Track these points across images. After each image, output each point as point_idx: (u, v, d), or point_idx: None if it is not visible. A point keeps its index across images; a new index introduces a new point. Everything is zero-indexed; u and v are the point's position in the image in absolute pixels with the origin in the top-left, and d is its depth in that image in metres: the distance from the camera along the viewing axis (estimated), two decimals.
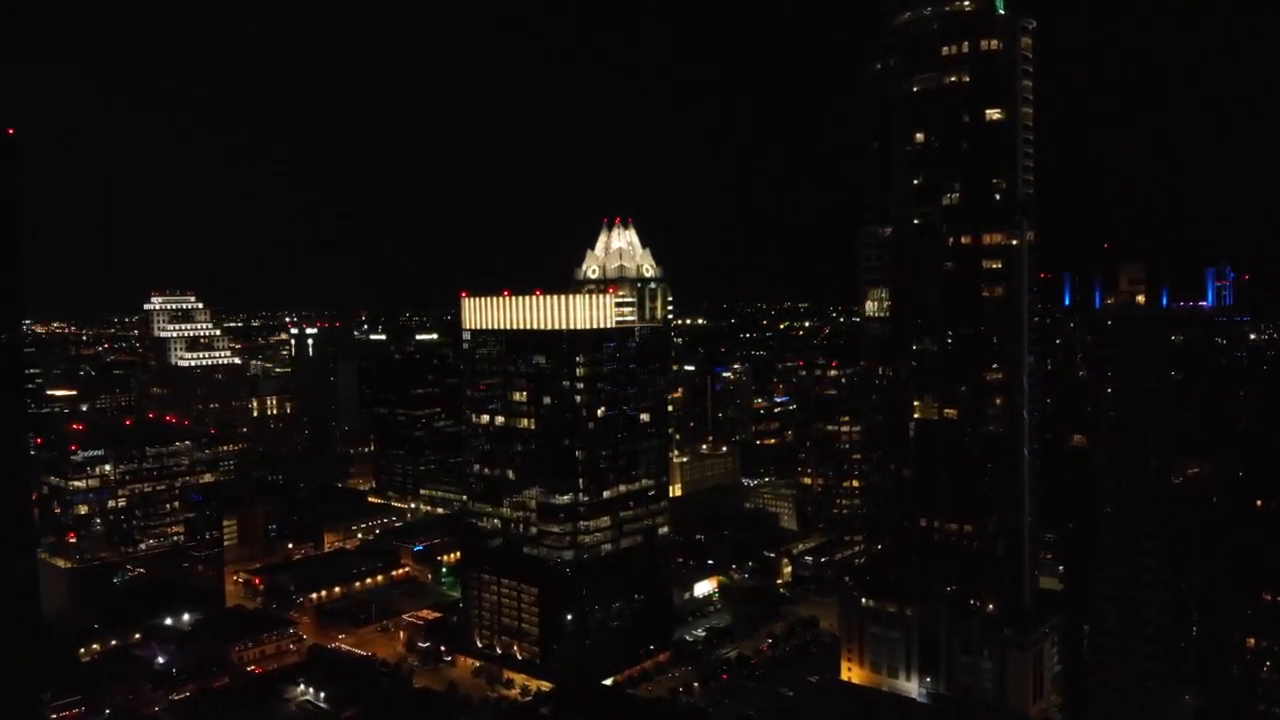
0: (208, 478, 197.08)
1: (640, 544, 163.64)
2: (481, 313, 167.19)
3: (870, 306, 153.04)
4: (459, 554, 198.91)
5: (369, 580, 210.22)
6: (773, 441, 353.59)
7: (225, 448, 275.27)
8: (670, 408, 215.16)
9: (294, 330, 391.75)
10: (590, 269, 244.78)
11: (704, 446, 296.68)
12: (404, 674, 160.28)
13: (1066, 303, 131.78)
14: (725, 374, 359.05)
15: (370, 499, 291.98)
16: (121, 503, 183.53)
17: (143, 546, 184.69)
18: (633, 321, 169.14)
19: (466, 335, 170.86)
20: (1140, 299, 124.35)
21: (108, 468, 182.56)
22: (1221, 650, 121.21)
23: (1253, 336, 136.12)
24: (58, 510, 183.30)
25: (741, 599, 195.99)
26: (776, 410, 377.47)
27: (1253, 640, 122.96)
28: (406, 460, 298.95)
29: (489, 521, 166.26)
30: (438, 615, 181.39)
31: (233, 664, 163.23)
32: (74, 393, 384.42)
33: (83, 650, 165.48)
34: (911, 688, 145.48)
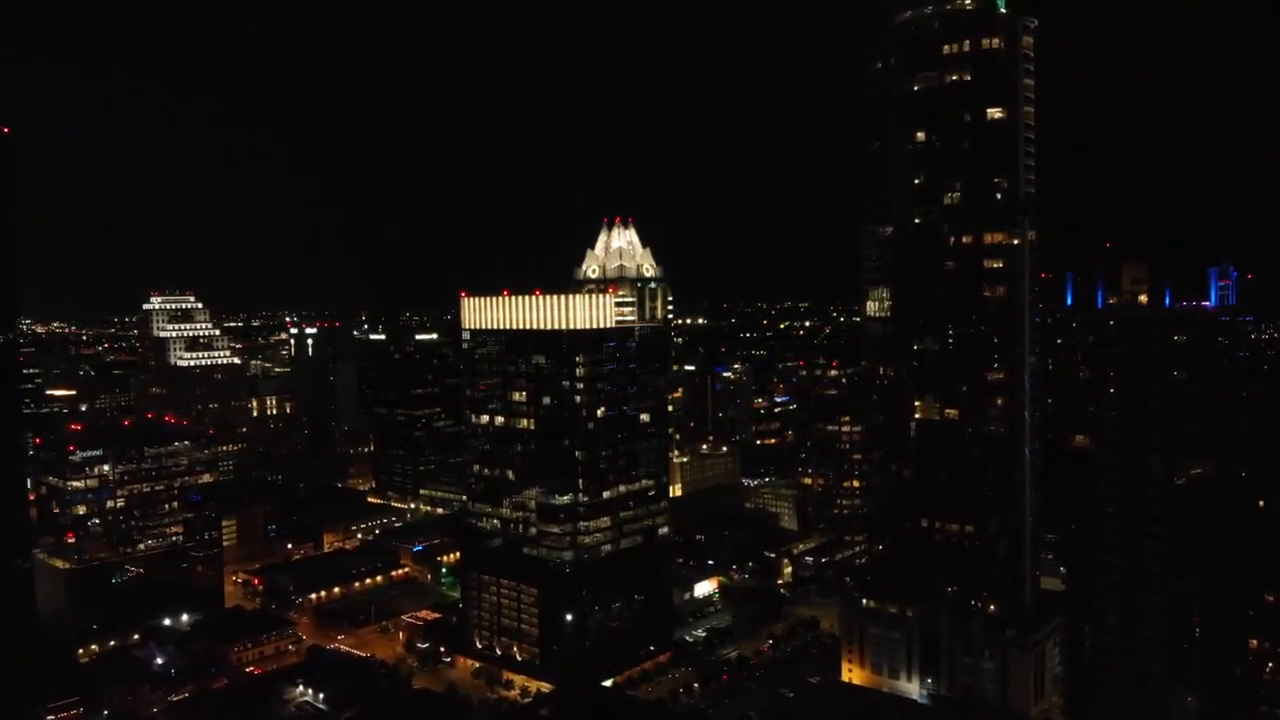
0: (207, 478, 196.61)
1: (640, 544, 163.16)
2: (481, 312, 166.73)
3: (871, 306, 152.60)
4: (459, 554, 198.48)
5: (368, 581, 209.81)
6: (773, 441, 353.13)
7: (224, 448, 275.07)
8: (670, 408, 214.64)
9: (293, 330, 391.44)
10: (590, 269, 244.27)
11: (704, 446, 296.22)
12: (403, 675, 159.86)
13: (1069, 302, 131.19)
14: (725, 374, 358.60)
15: (370, 499, 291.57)
16: (120, 503, 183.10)
17: (141, 547, 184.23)
18: (633, 321, 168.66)
19: (466, 335, 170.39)
20: (1143, 299, 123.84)
21: (106, 468, 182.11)
22: (1224, 651, 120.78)
23: (1255, 337, 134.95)
24: (56, 510, 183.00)
25: (742, 599, 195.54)
26: (777, 410, 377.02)
27: (1255, 641, 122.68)
28: (406, 460, 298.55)
29: (489, 522, 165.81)
30: (437, 616, 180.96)
31: (232, 665, 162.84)
32: (73, 393, 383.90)
33: (81, 651, 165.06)
34: (912, 689, 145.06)
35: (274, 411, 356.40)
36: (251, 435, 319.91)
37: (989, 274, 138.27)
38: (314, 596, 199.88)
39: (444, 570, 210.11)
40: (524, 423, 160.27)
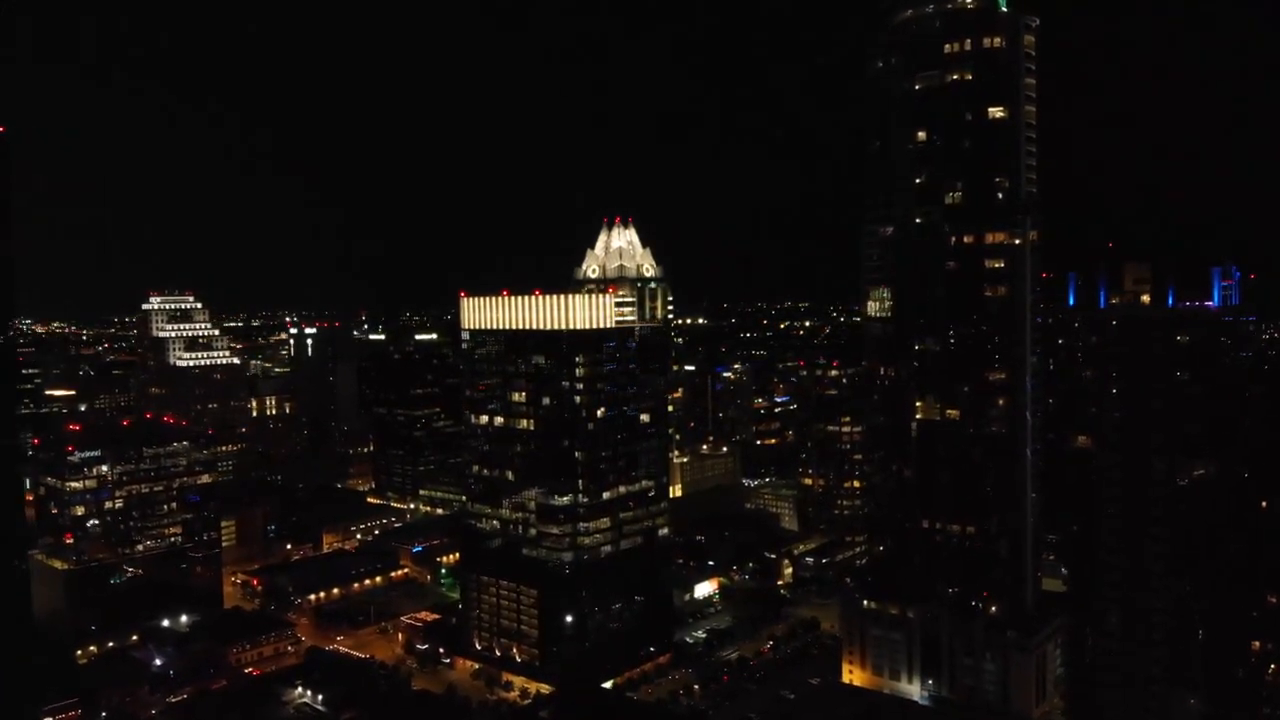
0: (206, 478, 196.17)
1: (640, 545, 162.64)
2: (480, 313, 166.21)
3: (872, 306, 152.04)
4: (458, 555, 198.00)
5: (368, 581, 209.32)
6: (773, 442, 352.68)
7: (224, 448, 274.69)
8: (670, 408, 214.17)
9: (293, 330, 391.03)
10: (590, 269, 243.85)
11: (704, 447, 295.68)
12: (403, 676, 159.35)
13: (1071, 302, 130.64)
14: (725, 374, 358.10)
15: (369, 499, 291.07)
16: (119, 504, 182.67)
17: (140, 548, 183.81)
18: (633, 321, 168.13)
19: (465, 335, 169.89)
20: (1145, 299, 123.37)
21: (105, 468, 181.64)
22: (1226, 653, 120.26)
23: (1258, 337, 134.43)
24: (54, 511, 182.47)
25: (742, 600, 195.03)
26: (777, 410, 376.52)
27: (1258, 643, 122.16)
28: (406, 461, 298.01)
29: (488, 523, 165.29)
30: (437, 617, 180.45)
31: (230, 666, 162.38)
32: (73, 393, 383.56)
33: (79, 652, 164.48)
34: (913, 690, 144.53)
35: (273, 412, 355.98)
36: (251, 435, 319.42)
37: (990, 274, 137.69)
38: (313, 597, 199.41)
39: (444, 571, 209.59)
40: (523, 423, 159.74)
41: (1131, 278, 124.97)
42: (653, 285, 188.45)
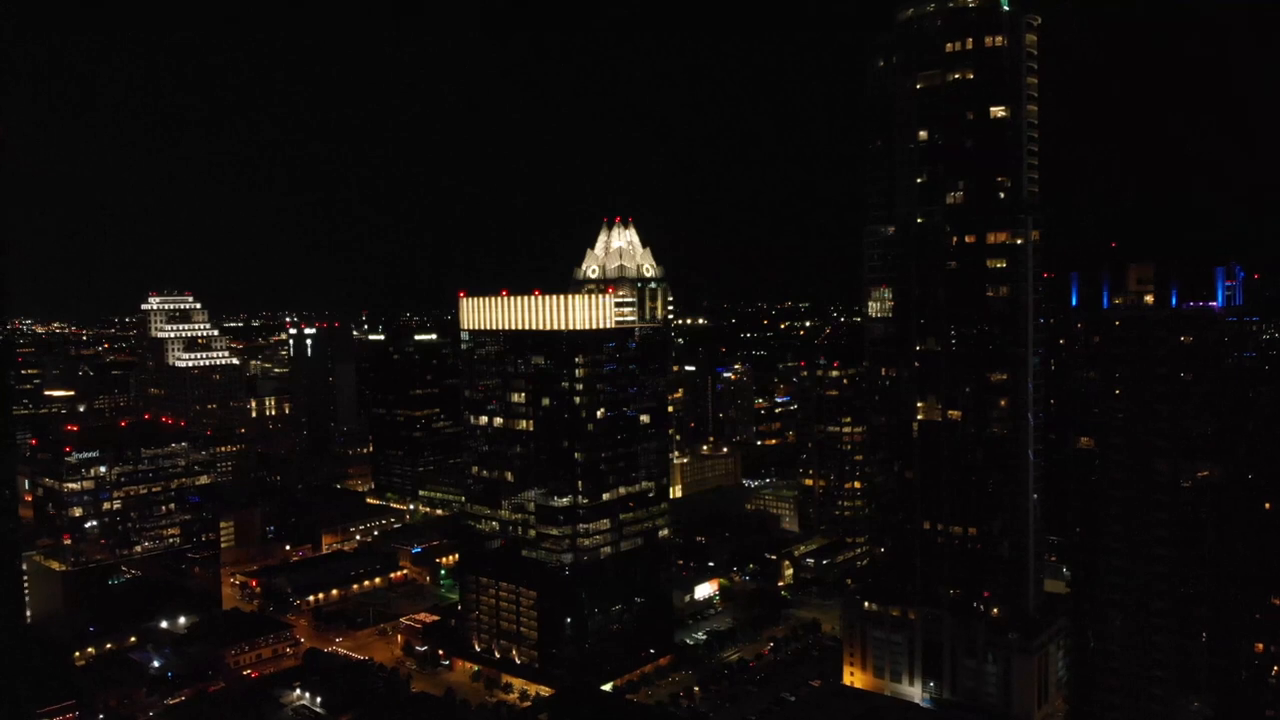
0: (204, 479, 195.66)
1: (640, 547, 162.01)
2: (480, 313, 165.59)
3: (873, 306, 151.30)
4: (457, 556, 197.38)
5: (367, 583, 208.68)
6: (774, 442, 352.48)
7: (222, 449, 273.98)
8: (671, 409, 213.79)
9: (292, 330, 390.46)
10: (590, 269, 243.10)
11: (705, 447, 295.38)
12: (401, 678, 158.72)
13: (1073, 303, 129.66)
14: (726, 374, 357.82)
15: (369, 500, 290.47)
16: (117, 505, 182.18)
17: (138, 549, 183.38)
18: (633, 321, 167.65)
19: (465, 336, 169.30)
20: (1149, 299, 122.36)
21: (103, 469, 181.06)
22: (1230, 655, 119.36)
23: (1262, 337, 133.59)
24: (53, 512, 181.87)
25: (743, 602, 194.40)
26: (778, 411, 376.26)
27: (1261, 645, 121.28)
28: (405, 461, 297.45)
29: (488, 524, 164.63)
30: (436, 618, 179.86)
31: (229, 668, 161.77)
32: (72, 393, 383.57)
33: (77, 654, 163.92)
34: (915, 692, 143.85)
35: (273, 412, 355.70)
36: (250, 436, 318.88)
37: (992, 274, 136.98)
38: (312, 599, 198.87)
39: (443, 572, 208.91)
40: (523, 424, 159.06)
41: (1135, 278, 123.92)
42: (653, 285, 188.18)
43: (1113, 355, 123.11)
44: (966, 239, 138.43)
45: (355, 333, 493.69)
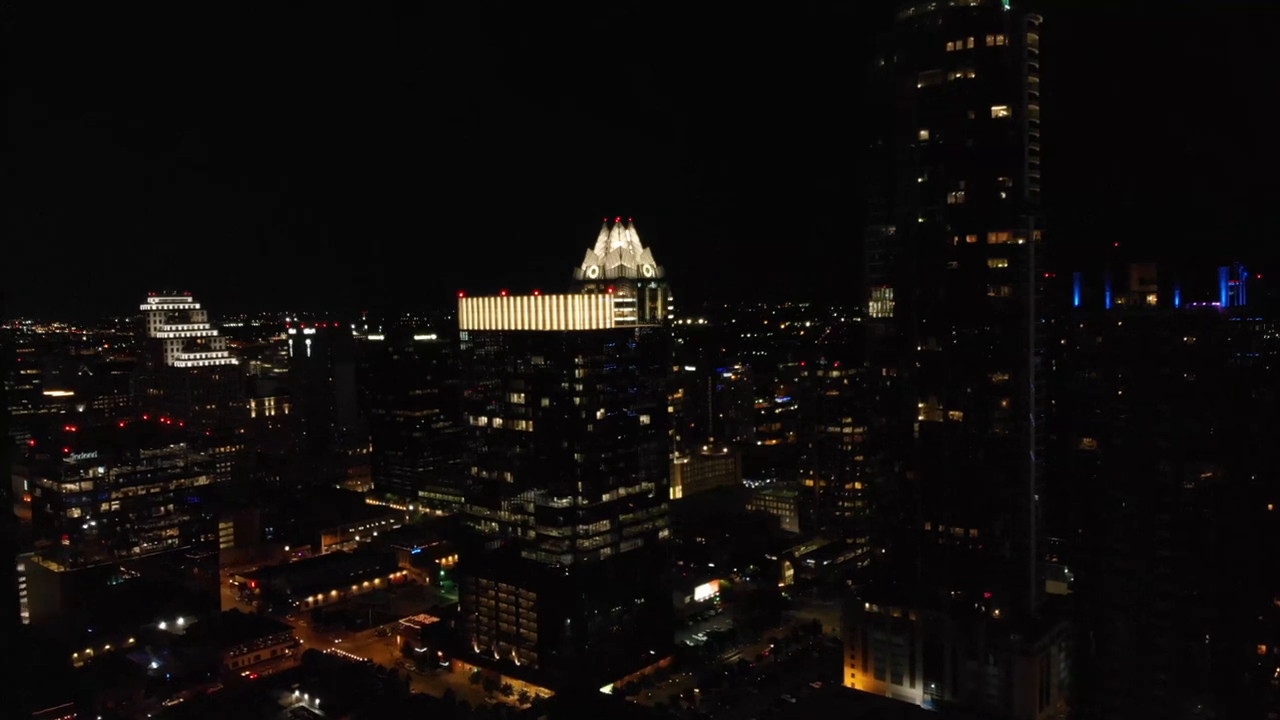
0: (203, 480, 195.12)
1: (640, 548, 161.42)
2: (479, 313, 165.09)
3: (874, 306, 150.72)
4: (457, 557, 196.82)
5: (366, 584, 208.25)
6: (774, 443, 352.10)
7: (222, 449, 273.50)
8: (671, 409, 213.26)
9: (292, 331, 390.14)
10: (590, 269, 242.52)
11: (705, 448, 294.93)
12: (401, 680, 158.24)
13: (1075, 303, 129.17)
14: (726, 374, 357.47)
15: (368, 501, 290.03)
16: (115, 505, 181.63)
17: (137, 550, 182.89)
18: (633, 322, 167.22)
19: (464, 336, 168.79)
20: (1151, 299, 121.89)
21: (101, 470, 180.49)
22: (1233, 657, 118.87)
23: (1266, 337, 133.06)
24: (51, 513, 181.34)
25: (743, 603, 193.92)
26: (778, 411, 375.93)
27: (1265, 647, 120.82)
28: (405, 462, 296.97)
29: (487, 525, 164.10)
30: (435, 620, 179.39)
31: (227, 669, 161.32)
32: (71, 394, 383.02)
33: (75, 655, 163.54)
34: (916, 694, 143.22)
35: (272, 412, 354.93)
36: (249, 436, 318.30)
37: (994, 274, 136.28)
38: (311, 600, 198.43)
39: (442, 573, 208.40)
40: (522, 424, 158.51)
41: (1137, 278, 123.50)
42: (653, 285, 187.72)
43: (1115, 355, 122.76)
44: (968, 239, 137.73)
45: (355, 333, 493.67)
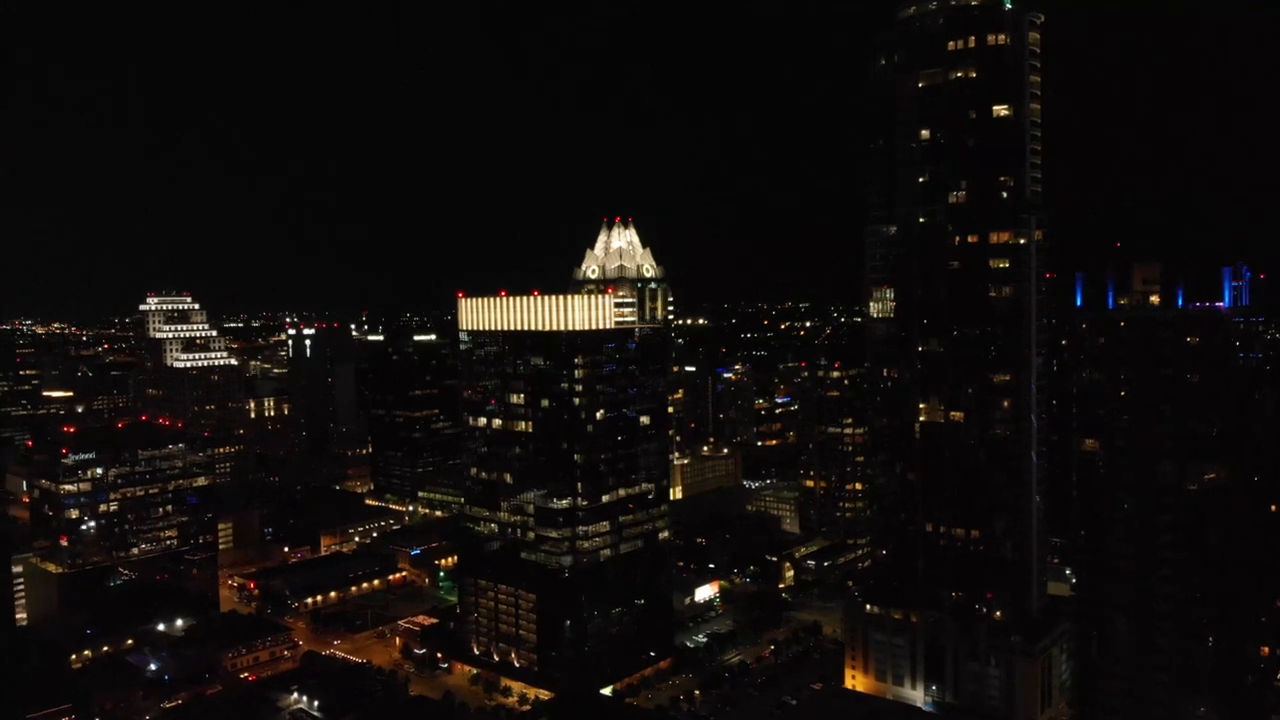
0: (202, 481, 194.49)
1: (640, 549, 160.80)
2: (479, 313, 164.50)
3: (875, 306, 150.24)
4: (456, 558, 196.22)
5: (365, 585, 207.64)
6: (774, 443, 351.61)
7: (220, 450, 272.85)
8: (671, 409, 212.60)
9: (292, 331, 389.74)
10: (590, 269, 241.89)
11: (705, 448, 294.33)
12: (400, 681, 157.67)
13: (1078, 303, 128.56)
14: (726, 375, 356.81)
15: (367, 501, 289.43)
16: (114, 506, 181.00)
17: (136, 551, 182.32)
18: (633, 322, 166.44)
19: (464, 336, 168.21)
20: (1154, 299, 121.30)
21: (100, 471, 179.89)
22: (1236, 659, 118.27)
23: (1269, 338, 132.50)
24: (49, 514, 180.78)
25: (743, 604, 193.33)
26: (778, 411, 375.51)
27: (1267, 649, 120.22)
28: (404, 462, 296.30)
29: (486, 526, 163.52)
30: (434, 621, 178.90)
31: (226, 671, 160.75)
32: (71, 394, 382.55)
33: (74, 656, 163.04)
34: (917, 696, 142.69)
35: (271, 413, 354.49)
36: (248, 437, 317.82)
37: (995, 274, 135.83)
38: (310, 601, 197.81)
39: (442, 574, 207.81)
40: (522, 425, 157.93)
41: (1140, 278, 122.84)
42: (653, 285, 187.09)
43: (1117, 356, 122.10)
44: (969, 239, 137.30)
45: (355, 333, 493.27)
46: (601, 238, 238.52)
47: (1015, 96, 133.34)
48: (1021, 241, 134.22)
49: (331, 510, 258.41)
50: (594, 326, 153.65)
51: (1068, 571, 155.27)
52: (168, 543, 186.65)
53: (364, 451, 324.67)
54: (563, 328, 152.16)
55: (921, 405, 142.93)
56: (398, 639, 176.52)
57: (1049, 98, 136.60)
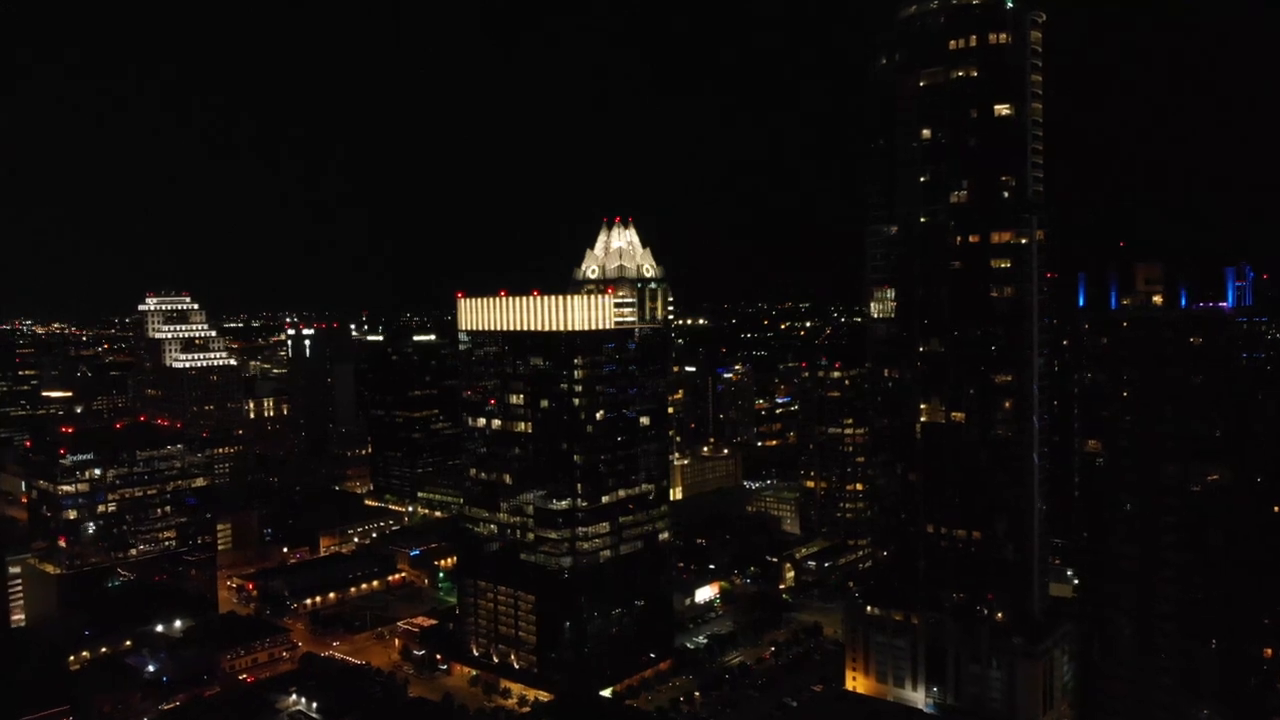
0: (201, 481, 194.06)
1: (640, 550, 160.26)
2: (478, 314, 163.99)
3: (876, 306, 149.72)
4: (456, 559, 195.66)
5: (364, 586, 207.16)
6: (775, 444, 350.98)
7: (219, 450, 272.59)
8: (671, 410, 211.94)
9: (291, 331, 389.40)
10: (590, 269, 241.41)
11: (705, 449, 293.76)
12: (399, 683, 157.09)
13: (1080, 303, 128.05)
14: (726, 375, 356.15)
15: (367, 502, 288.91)
16: (112, 507, 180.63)
17: (134, 552, 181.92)
18: (632, 322, 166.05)
19: (464, 337, 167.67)
20: (1157, 299, 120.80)
21: (98, 471, 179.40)
22: (1239, 661, 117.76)
23: (1271, 338, 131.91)
24: (48, 514, 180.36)
25: (743, 605, 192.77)
26: (778, 412, 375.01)
27: (1270, 651, 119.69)
28: (404, 463, 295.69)
29: (486, 527, 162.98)
30: (434, 622, 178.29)
31: (224, 672, 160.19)
32: (70, 394, 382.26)
33: (72, 658, 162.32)
34: (918, 698, 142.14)
35: (270, 413, 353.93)
36: (247, 437, 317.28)
37: (997, 274, 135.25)
38: (309, 602, 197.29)
39: (441, 575, 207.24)
40: (521, 426, 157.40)
41: (1143, 278, 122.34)
42: (653, 286, 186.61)
43: (1120, 356, 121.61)
44: (970, 239, 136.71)
45: (355, 333, 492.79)
46: (601, 238, 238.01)
47: (1017, 96, 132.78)
48: (1023, 241, 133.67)
49: (331, 511, 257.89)
50: (594, 327, 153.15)
51: (1070, 573, 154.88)
52: (166, 544, 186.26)
53: (363, 452, 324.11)
54: (562, 328, 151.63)
55: (923, 406, 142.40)
56: (397, 640, 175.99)
57: (1051, 97, 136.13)
